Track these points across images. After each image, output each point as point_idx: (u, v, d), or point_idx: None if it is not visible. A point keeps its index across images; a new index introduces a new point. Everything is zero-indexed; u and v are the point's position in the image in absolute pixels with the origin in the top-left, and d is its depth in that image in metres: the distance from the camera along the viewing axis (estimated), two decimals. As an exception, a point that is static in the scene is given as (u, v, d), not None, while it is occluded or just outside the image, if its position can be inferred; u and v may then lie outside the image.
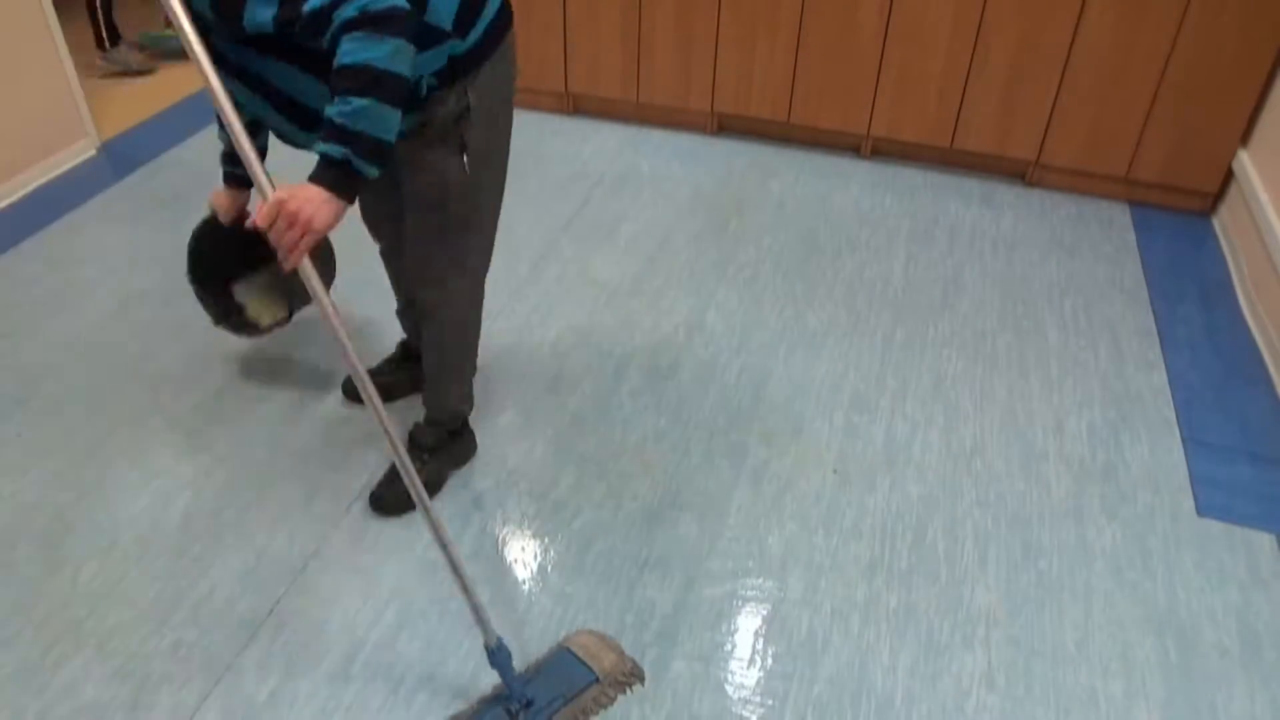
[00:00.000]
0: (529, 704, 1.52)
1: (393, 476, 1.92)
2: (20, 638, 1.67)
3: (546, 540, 1.88)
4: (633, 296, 2.59)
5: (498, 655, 1.51)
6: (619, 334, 2.45)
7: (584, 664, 1.60)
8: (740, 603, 1.76)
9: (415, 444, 1.97)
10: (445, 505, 1.95)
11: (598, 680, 1.58)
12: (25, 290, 2.56)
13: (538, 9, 3.36)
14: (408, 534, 1.88)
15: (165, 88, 3.71)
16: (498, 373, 2.30)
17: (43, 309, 2.48)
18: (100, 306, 2.50)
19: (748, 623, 1.73)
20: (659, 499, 1.97)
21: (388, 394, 2.07)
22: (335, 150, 1.33)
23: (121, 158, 3.24)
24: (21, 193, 3.01)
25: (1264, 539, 1.93)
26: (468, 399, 2.01)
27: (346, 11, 1.28)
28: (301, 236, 1.33)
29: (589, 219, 2.95)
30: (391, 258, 2.06)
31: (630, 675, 1.61)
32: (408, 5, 1.32)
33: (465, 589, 1.49)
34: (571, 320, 2.49)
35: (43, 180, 3.08)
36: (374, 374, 2.17)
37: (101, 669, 1.62)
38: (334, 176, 1.35)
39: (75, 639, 1.67)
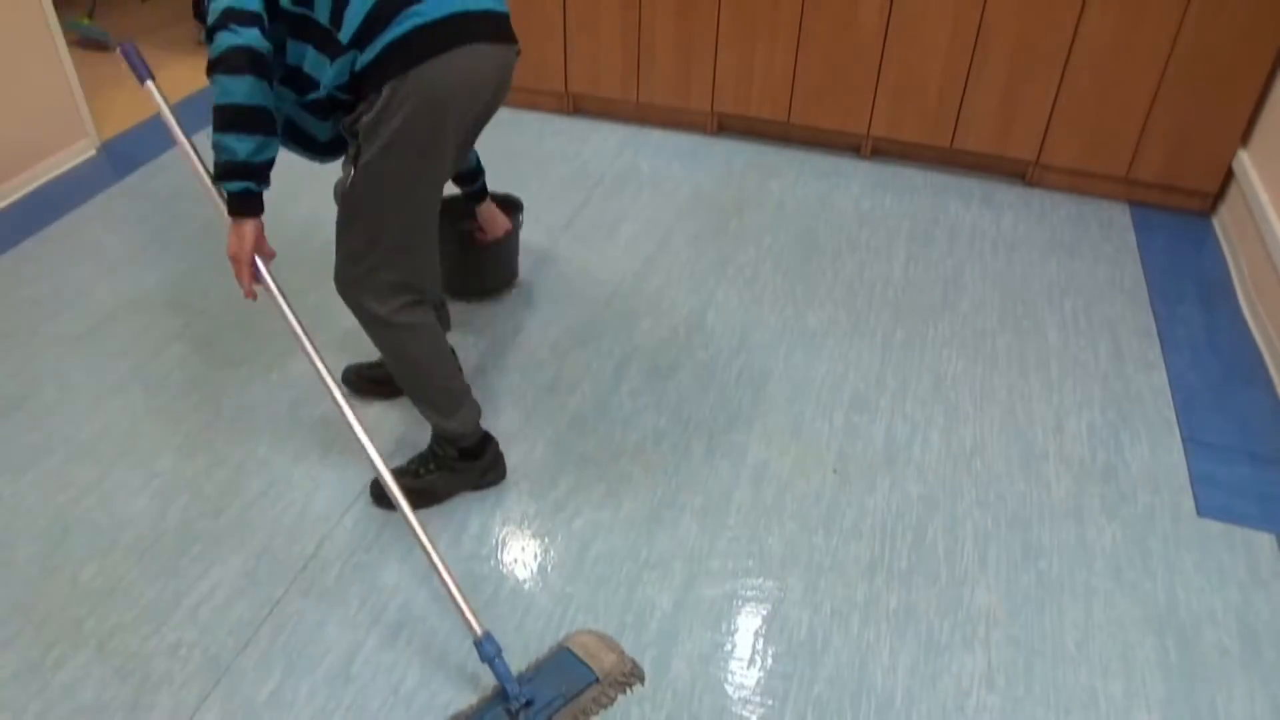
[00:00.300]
0: (528, 704, 1.52)
1: (398, 473, 1.90)
2: (20, 638, 1.67)
3: (546, 540, 1.88)
4: (633, 296, 2.59)
5: (485, 647, 1.52)
6: (619, 334, 2.45)
7: (584, 664, 1.60)
8: (740, 603, 1.76)
9: (428, 450, 1.95)
10: (445, 506, 1.95)
11: (598, 680, 1.58)
12: (25, 290, 2.56)
13: (538, 9, 3.36)
14: (408, 534, 1.88)
15: (165, 88, 3.70)
16: (498, 373, 2.30)
17: (43, 309, 2.48)
18: (100, 306, 2.50)
19: (748, 623, 1.73)
20: (659, 499, 1.97)
21: (386, 384, 2.15)
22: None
23: (121, 158, 3.24)
24: (21, 193, 3.02)
25: (1264, 539, 1.93)
26: (453, 424, 1.87)
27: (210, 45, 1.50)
28: (236, 268, 1.62)
29: (589, 219, 2.95)
30: None
31: (630, 675, 1.61)
32: (245, 43, 1.47)
33: (448, 585, 1.52)
34: (571, 320, 2.49)
35: (43, 180, 3.08)
36: (375, 365, 2.21)
37: (101, 669, 1.62)
38: (228, 204, 1.59)
39: (75, 639, 1.67)
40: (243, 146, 1.52)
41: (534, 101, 3.63)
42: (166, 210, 2.93)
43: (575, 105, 3.61)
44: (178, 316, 2.47)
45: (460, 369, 1.95)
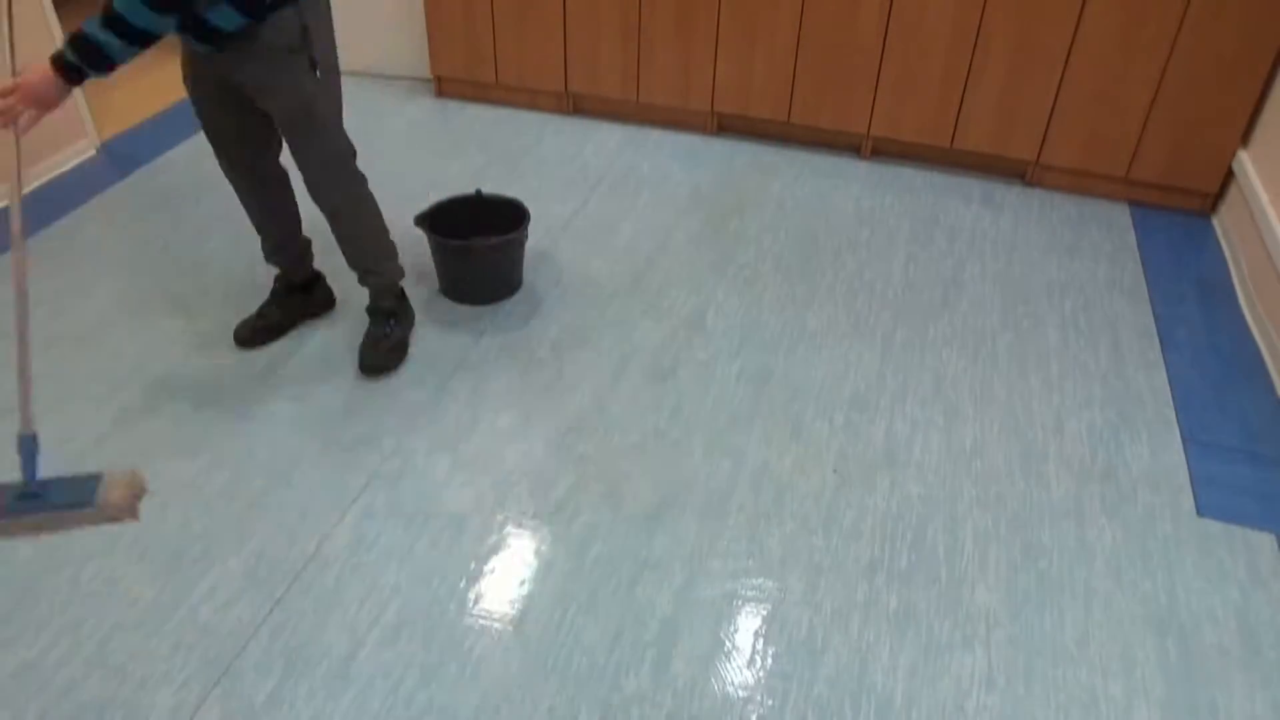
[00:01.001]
0: (34, 496, 1.59)
1: (369, 344, 2.29)
2: (20, 638, 1.67)
3: (546, 540, 1.88)
4: (633, 296, 2.59)
5: (25, 444, 1.60)
6: (619, 334, 2.45)
7: (98, 490, 1.62)
8: (740, 603, 1.76)
9: (380, 311, 2.30)
10: (445, 506, 1.95)
11: (93, 505, 1.60)
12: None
13: (537, 9, 3.36)
14: (407, 534, 1.88)
15: (165, 88, 3.71)
16: (498, 372, 2.30)
17: (43, 309, 2.48)
18: (100, 306, 2.50)
19: (748, 623, 1.73)
20: (659, 499, 1.97)
21: (280, 330, 2.40)
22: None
23: (121, 158, 3.24)
24: (22, 192, 3.01)
25: (1264, 539, 1.93)
26: (399, 269, 2.33)
27: None
28: (22, 106, 1.75)
29: (589, 219, 2.95)
30: (255, 197, 2.26)
31: (122, 512, 1.63)
32: None
33: (24, 370, 1.64)
34: (572, 320, 2.49)
35: (43, 180, 3.08)
36: (261, 315, 2.39)
37: (101, 669, 1.62)
38: (67, 68, 1.74)
39: (75, 639, 1.67)
40: (120, 53, 1.72)
41: (534, 101, 3.63)
42: (166, 210, 2.93)
43: (575, 105, 3.61)
44: (177, 316, 2.47)
45: None
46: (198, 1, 1.75)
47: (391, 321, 2.31)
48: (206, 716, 1.55)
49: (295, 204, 2.29)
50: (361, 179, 2.18)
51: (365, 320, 2.34)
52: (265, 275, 2.58)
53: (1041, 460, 2.10)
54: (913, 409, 2.23)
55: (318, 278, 2.46)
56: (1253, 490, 2.04)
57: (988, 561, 1.86)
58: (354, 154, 2.14)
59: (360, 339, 2.34)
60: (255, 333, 2.37)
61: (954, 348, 2.43)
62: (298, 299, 2.42)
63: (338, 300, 2.51)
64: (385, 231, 2.28)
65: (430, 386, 2.25)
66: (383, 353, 2.28)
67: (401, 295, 2.36)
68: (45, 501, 1.60)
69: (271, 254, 2.34)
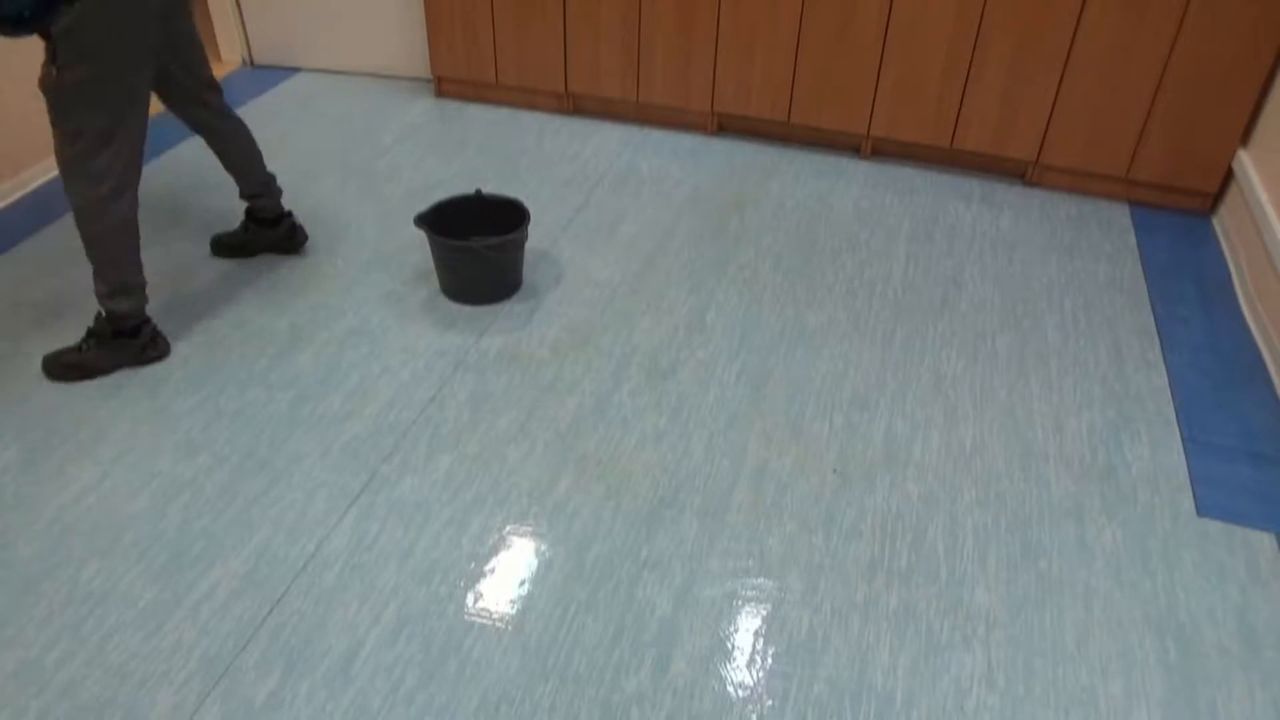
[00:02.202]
0: None
1: (55, 353, 2.27)
2: (20, 638, 1.67)
3: (546, 540, 1.88)
4: (633, 296, 2.59)
5: None
6: (619, 334, 2.45)
7: None
8: (740, 603, 1.76)
9: (90, 328, 2.26)
10: (445, 507, 1.95)
11: None
12: (25, 291, 2.56)
13: (538, 9, 3.36)
14: (407, 534, 1.88)
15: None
16: (498, 373, 2.30)
17: (42, 309, 2.48)
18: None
19: (748, 623, 1.73)
20: (659, 499, 1.97)
21: (245, 251, 2.68)
22: None
23: (121, 158, 3.24)
24: (21, 192, 3.01)
25: (1264, 539, 1.93)
26: (118, 301, 2.21)
27: None
28: None
29: (589, 219, 2.95)
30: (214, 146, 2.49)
31: None
32: None
33: None
34: (571, 320, 2.49)
35: (43, 180, 3.08)
36: (228, 234, 2.69)
37: (101, 669, 1.62)
38: None
39: (75, 639, 1.67)
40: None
41: (534, 101, 3.63)
42: (165, 210, 2.92)
43: (575, 105, 3.61)
44: (177, 316, 2.47)
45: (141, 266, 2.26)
46: None
47: (91, 342, 2.24)
48: (206, 716, 1.55)
49: (243, 150, 2.52)
50: (94, 185, 2.07)
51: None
52: (264, 278, 2.59)
53: (1041, 460, 2.10)
54: (913, 409, 2.23)
55: (283, 216, 2.68)
56: (1253, 490, 2.04)
57: (987, 561, 1.86)
58: (92, 156, 2.06)
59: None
60: (220, 247, 2.68)
61: (954, 347, 2.43)
62: (264, 230, 2.68)
63: (309, 239, 2.74)
64: (112, 258, 2.18)
65: (430, 386, 2.25)
66: (61, 365, 2.23)
67: (123, 331, 2.24)
68: None
69: (240, 193, 2.60)
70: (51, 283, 2.59)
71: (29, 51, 2.99)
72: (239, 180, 2.58)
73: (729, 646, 1.68)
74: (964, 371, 2.35)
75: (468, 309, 2.52)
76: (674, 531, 1.90)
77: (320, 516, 1.92)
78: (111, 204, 2.11)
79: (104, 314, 2.23)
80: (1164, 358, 2.42)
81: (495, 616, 1.72)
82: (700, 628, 1.71)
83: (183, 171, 3.15)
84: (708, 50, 3.27)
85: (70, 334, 2.36)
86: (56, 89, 2.01)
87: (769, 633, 1.71)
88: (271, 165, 2.62)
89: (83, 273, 2.62)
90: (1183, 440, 2.17)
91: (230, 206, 2.80)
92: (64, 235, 2.80)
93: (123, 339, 2.26)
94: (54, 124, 2.05)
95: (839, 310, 2.56)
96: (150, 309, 2.30)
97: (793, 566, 1.84)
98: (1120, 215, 3.07)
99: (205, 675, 1.62)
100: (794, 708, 1.59)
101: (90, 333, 2.26)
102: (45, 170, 3.09)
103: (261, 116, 3.52)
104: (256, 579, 1.79)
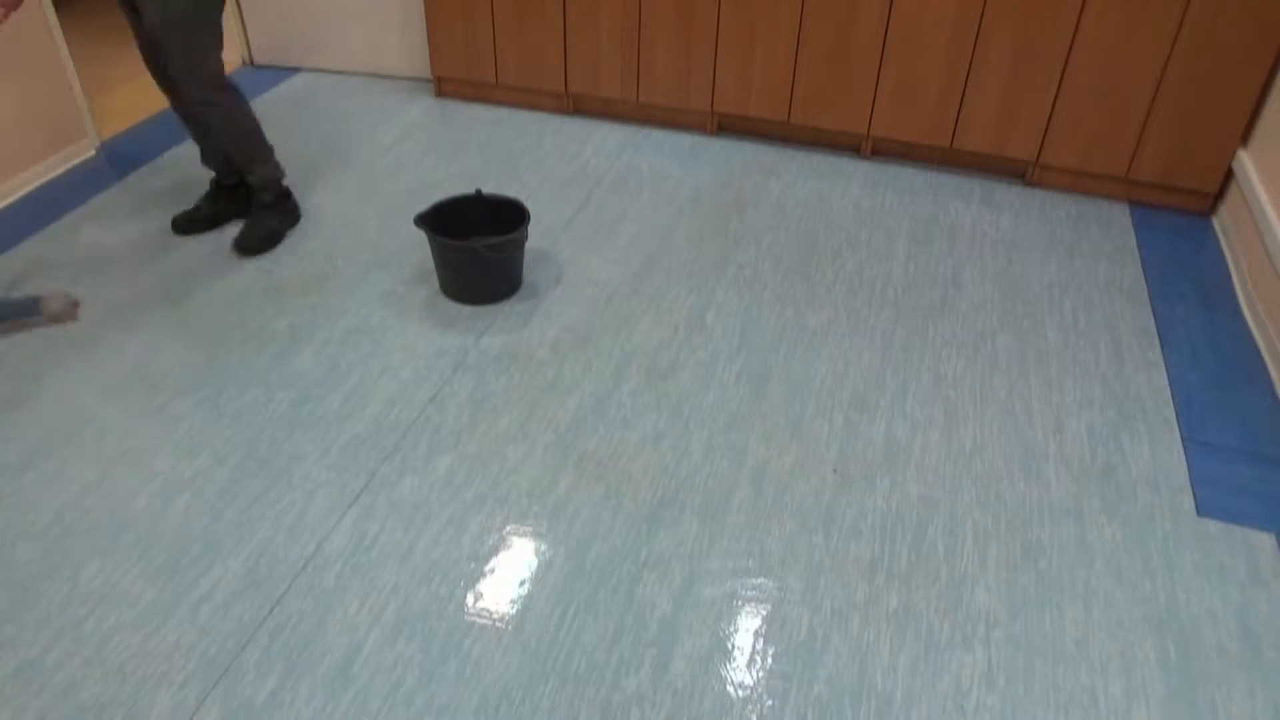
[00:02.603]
0: None
1: (247, 228, 2.75)
2: (20, 638, 1.67)
3: (546, 540, 1.88)
4: (633, 296, 2.59)
5: None
6: (619, 334, 2.45)
7: (41, 304, 2.35)
8: (740, 603, 1.76)
9: (258, 204, 2.75)
10: (445, 507, 1.95)
11: (39, 314, 2.33)
12: (25, 290, 2.56)
13: (538, 9, 3.36)
14: (407, 534, 1.88)
15: (165, 88, 3.71)
16: (497, 373, 2.30)
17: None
18: (100, 306, 2.50)
19: (748, 623, 1.73)
20: (659, 499, 1.97)
21: (212, 223, 2.84)
22: None
23: (121, 158, 3.24)
24: (21, 193, 3.02)
25: (1264, 539, 1.93)
26: (275, 168, 2.76)
27: None
28: None
29: (589, 219, 2.95)
30: (177, 108, 2.72)
31: (65, 316, 2.38)
32: None
33: None
34: (571, 320, 2.49)
35: (43, 180, 3.08)
36: (194, 210, 2.83)
37: (101, 669, 1.62)
38: None
39: (75, 639, 1.67)
40: None
41: (534, 101, 3.63)
42: (166, 210, 2.92)
43: (575, 105, 3.61)
44: (177, 316, 2.47)
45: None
46: None
47: (266, 213, 2.76)
48: (206, 716, 1.55)
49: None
50: (229, 90, 2.58)
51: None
52: (264, 278, 2.59)
53: (1041, 460, 2.10)
54: (913, 409, 2.23)
55: (243, 182, 2.84)
56: (1253, 490, 2.04)
57: (988, 561, 1.86)
58: (221, 70, 2.53)
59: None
60: (190, 223, 2.81)
61: (954, 348, 2.43)
62: (225, 199, 2.84)
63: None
64: (254, 138, 2.68)
65: (430, 386, 2.25)
66: (252, 237, 2.72)
67: (282, 195, 2.80)
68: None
69: (202, 160, 2.79)
70: (53, 283, 2.59)
71: (28, 51, 3.00)
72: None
73: (729, 646, 1.68)
74: (964, 371, 2.35)
75: (468, 309, 2.52)
76: (674, 531, 1.90)
77: (320, 516, 1.92)
78: (240, 97, 2.62)
79: (266, 187, 2.73)
80: (1164, 358, 2.42)
81: (495, 616, 1.72)
82: (700, 628, 1.71)
83: (185, 172, 3.15)
84: (708, 50, 3.27)
85: (71, 333, 2.36)
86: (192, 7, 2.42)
87: (769, 633, 1.71)
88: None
89: (81, 273, 2.63)
90: (1183, 440, 2.17)
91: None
92: (64, 235, 2.80)
93: (282, 202, 2.80)
94: (186, 56, 2.45)
95: (839, 310, 2.56)
96: (151, 308, 2.30)
97: (793, 566, 1.84)
98: (1120, 215, 3.07)
99: (205, 675, 1.62)
100: (794, 708, 1.59)
101: (263, 206, 2.75)
102: (46, 170, 3.09)
103: (261, 116, 3.51)
104: (256, 579, 1.79)
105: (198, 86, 2.51)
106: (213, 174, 2.82)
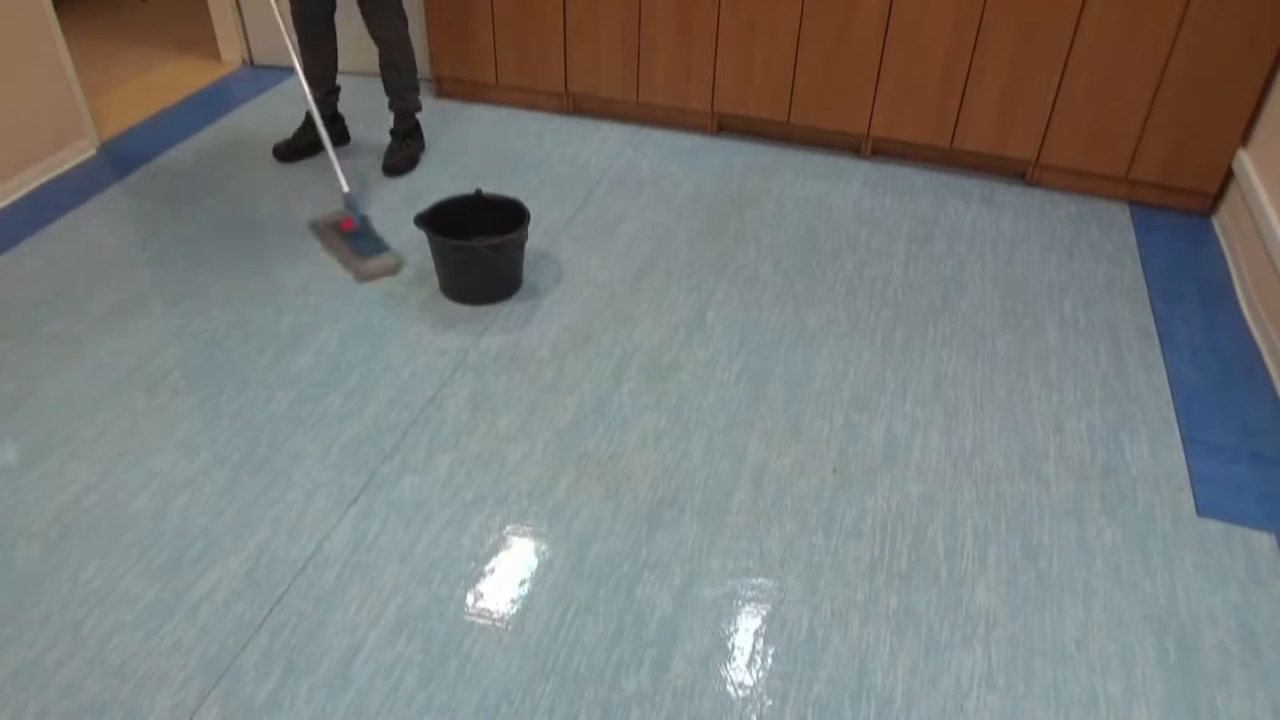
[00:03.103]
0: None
1: (388, 154, 3.20)
2: (20, 638, 1.67)
3: (546, 540, 1.88)
4: (633, 296, 2.59)
5: (350, 198, 2.71)
6: (619, 334, 2.45)
7: (383, 254, 2.64)
8: (740, 603, 1.76)
9: (398, 132, 3.20)
10: (445, 507, 1.95)
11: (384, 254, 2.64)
12: (25, 290, 2.56)
13: (538, 9, 3.36)
14: (407, 535, 1.88)
15: (165, 88, 3.71)
16: (497, 373, 2.30)
17: (42, 309, 2.48)
18: (100, 306, 2.50)
19: (748, 623, 1.73)
20: (659, 499, 1.98)
21: (312, 150, 3.21)
22: None
23: (121, 158, 3.24)
24: (21, 192, 3.02)
25: (1264, 539, 1.93)
26: (418, 102, 3.20)
27: None
28: None
29: (589, 219, 2.95)
30: (313, 41, 3.08)
31: (388, 269, 2.63)
32: None
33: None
34: (571, 320, 2.50)
35: (43, 180, 3.08)
36: (293, 139, 3.22)
37: (101, 669, 1.62)
38: None
39: (75, 639, 1.67)
40: None
41: (534, 101, 3.63)
42: (166, 210, 2.93)
43: (575, 105, 3.61)
44: (178, 316, 2.47)
45: None
46: None
47: (407, 140, 3.19)
48: (206, 716, 1.55)
49: (336, 55, 3.16)
50: (405, 20, 3.02)
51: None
52: (264, 278, 2.59)
53: (1041, 460, 2.10)
54: (913, 409, 2.23)
55: (338, 117, 3.28)
56: (1253, 490, 2.04)
57: (988, 561, 1.86)
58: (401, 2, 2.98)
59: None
60: (291, 151, 3.20)
61: (954, 348, 2.43)
62: (324, 130, 2.97)
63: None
64: (414, 68, 3.12)
65: (430, 386, 2.25)
66: (398, 160, 3.15)
67: (417, 125, 3.23)
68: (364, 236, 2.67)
69: (312, 84, 3.01)
70: (53, 283, 2.59)
71: (28, 51, 3.00)
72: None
73: (729, 646, 1.68)
74: (964, 372, 2.35)
75: (468, 309, 2.52)
76: (674, 531, 1.90)
77: (320, 516, 1.92)
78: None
79: (408, 114, 3.18)
80: (1164, 357, 2.42)
81: (495, 616, 1.72)
82: (700, 628, 1.71)
83: (185, 171, 3.15)
84: (708, 50, 3.27)
85: (71, 333, 2.36)
86: None
87: (769, 633, 1.71)
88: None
89: (81, 273, 2.63)
90: (1182, 440, 2.17)
91: (231, 202, 2.79)
92: (64, 235, 2.80)
93: (418, 130, 3.24)
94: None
95: (839, 310, 2.56)
96: (150, 308, 2.30)
97: (793, 566, 1.84)
98: (1120, 215, 3.07)
99: (205, 675, 1.62)
100: (794, 708, 1.59)
101: (404, 134, 3.19)
102: (46, 170, 3.09)
103: (261, 116, 3.52)
104: (256, 579, 1.79)
105: (390, 10, 2.94)
106: (313, 103, 3.00)
